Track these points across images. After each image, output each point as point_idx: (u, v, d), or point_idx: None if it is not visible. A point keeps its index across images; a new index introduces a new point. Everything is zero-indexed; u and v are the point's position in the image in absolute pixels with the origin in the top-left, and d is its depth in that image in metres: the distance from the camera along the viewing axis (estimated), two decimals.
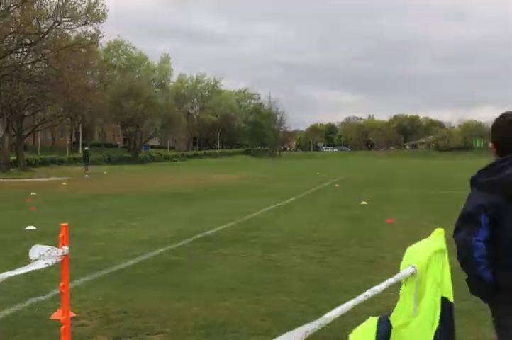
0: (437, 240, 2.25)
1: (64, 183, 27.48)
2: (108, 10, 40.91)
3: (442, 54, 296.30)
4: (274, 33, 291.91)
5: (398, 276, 1.87)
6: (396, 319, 1.93)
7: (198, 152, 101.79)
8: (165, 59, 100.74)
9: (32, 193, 19.80)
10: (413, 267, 1.93)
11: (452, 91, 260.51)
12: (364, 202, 15.82)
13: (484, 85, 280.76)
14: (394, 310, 1.95)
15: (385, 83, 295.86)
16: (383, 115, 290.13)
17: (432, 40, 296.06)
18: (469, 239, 2.43)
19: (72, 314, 4.79)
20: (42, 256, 2.99)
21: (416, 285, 1.93)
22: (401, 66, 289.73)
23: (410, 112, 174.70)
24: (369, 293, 1.70)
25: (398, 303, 1.96)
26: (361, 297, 1.63)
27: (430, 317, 2.08)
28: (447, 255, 2.25)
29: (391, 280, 1.84)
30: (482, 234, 2.42)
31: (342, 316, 1.64)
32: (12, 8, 37.89)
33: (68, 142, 76.30)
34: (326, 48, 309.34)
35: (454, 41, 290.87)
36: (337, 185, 24.85)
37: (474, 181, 2.55)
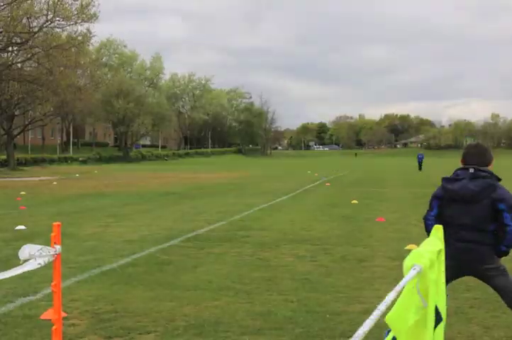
0: (436, 239, 2.27)
1: (55, 183, 27.38)
2: (99, 12, 40.84)
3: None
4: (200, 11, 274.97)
5: (403, 282, 1.86)
6: (404, 315, 1.92)
7: (190, 151, 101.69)
8: (157, 58, 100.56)
9: (22, 193, 19.72)
10: (417, 267, 1.92)
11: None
12: (354, 201, 15.87)
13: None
14: (397, 307, 1.94)
15: (331, 72, 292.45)
16: (373, 114, 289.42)
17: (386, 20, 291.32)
18: (426, 214, 4.24)
19: (63, 314, 4.78)
20: (33, 256, 2.97)
21: (418, 281, 1.93)
22: (347, 50, 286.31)
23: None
24: (382, 306, 1.69)
25: (398, 303, 1.95)
26: (376, 313, 1.62)
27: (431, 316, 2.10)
28: (443, 254, 2.28)
29: (398, 288, 1.83)
30: (434, 212, 4.19)
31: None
32: (2, 7, 37.67)
33: (59, 141, 75.99)
34: (259, 30, 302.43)
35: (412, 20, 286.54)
36: (328, 184, 24.91)
37: (442, 179, 4.26)
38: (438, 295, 2.10)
